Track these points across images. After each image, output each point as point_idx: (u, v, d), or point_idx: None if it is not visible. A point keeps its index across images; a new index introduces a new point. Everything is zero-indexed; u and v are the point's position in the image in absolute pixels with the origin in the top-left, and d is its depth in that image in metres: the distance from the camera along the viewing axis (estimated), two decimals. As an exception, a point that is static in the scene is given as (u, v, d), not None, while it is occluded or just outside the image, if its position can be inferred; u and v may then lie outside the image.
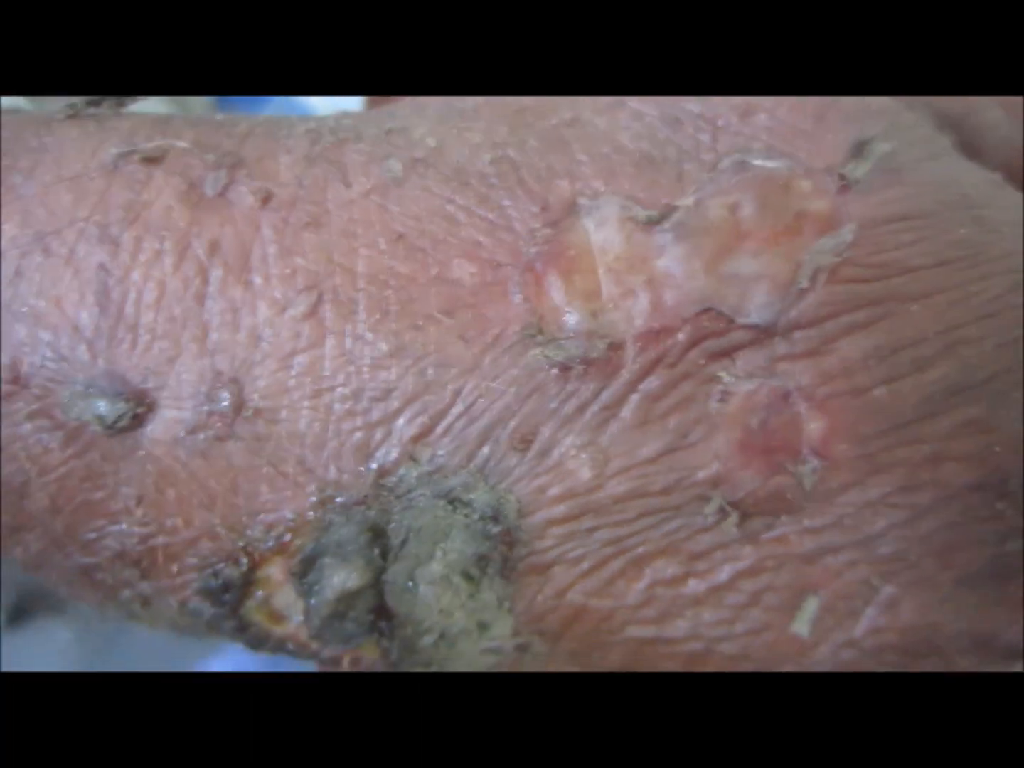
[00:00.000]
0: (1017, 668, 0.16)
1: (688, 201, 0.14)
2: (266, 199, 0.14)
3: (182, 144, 0.15)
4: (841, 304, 0.14)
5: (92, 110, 0.15)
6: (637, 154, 0.15)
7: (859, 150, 0.15)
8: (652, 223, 0.14)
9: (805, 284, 0.14)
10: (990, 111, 0.18)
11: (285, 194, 0.14)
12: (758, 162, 0.15)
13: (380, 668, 0.16)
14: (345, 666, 0.16)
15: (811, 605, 0.15)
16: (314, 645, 0.15)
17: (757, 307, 0.14)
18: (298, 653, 0.16)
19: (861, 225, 0.14)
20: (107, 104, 0.15)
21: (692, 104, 0.15)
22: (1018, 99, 0.18)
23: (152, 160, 0.14)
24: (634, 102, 0.16)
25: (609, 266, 0.14)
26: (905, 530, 0.15)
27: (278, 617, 0.15)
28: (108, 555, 0.15)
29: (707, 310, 0.14)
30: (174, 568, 0.15)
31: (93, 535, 0.15)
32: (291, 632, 0.15)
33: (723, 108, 0.15)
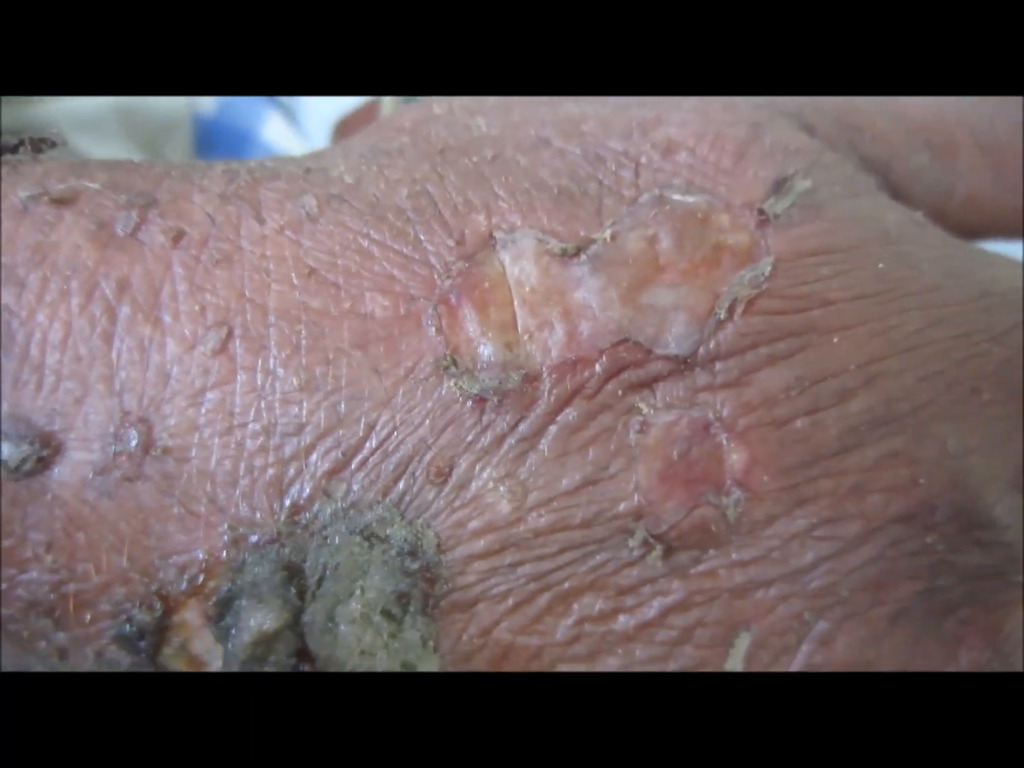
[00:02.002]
0: None
1: (606, 234, 0.15)
2: (177, 238, 0.14)
3: (94, 185, 0.15)
4: (760, 335, 0.14)
5: (8, 156, 0.15)
6: (556, 189, 0.15)
7: (779, 187, 0.15)
8: (569, 255, 0.14)
9: (723, 315, 0.14)
10: (916, 156, 0.18)
11: (197, 232, 0.14)
12: (677, 197, 0.15)
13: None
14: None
15: (744, 641, 0.15)
16: None
17: (676, 338, 0.14)
18: (222, 699, 0.16)
19: (780, 258, 0.15)
20: (24, 150, 0.15)
21: (615, 142, 0.16)
22: (944, 142, 0.18)
23: (62, 201, 0.14)
24: (558, 141, 0.16)
25: (524, 298, 0.14)
26: (834, 563, 0.14)
27: (198, 663, 0.15)
28: (20, 605, 0.14)
29: (624, 341, 0.14)
30: (87, 616, 0.14)
31: (4, 585, 0.14)
32: None
33: (645, 146, 0.16)
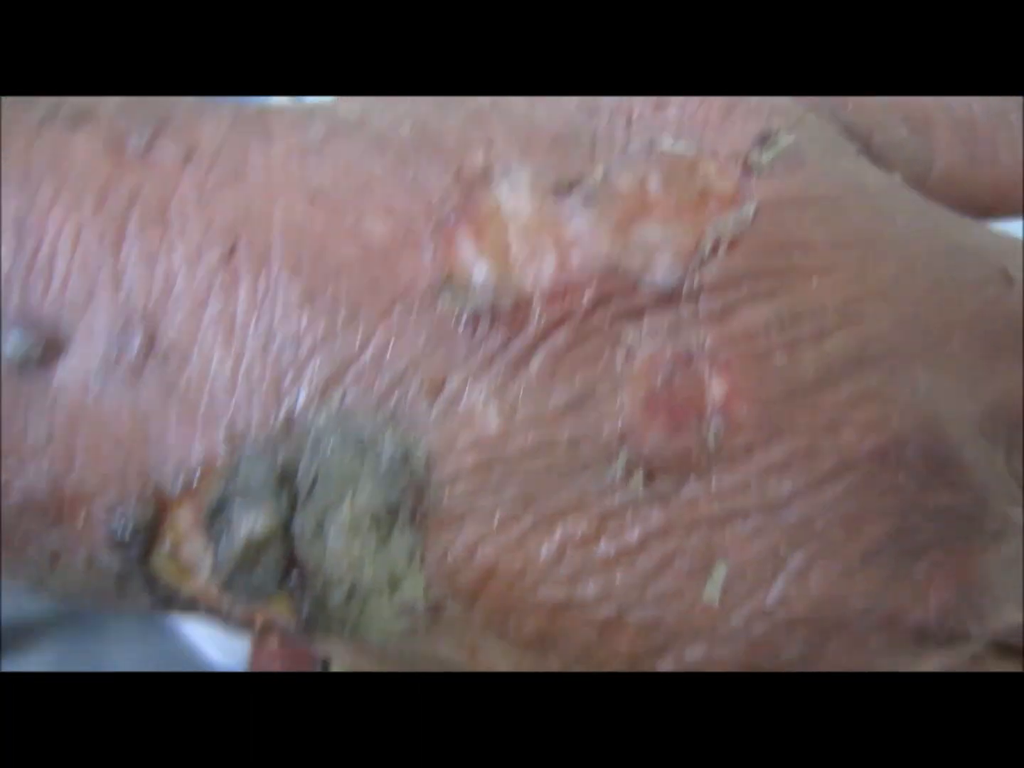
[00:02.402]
0: (929, 653, 0.16)
1: (598, 174, 0.15)
2: (188, 156, 0.15)
3: (109, 106, 0.15)
4: (743, 273, 0.15)
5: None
6: (552, 133, 0.16)
7: (764, 139, 0.16)
8: (562, 192, 0.15)
9: (708, 253, 0.15)
10: (896, 130, 0.19)
11: (208, 153, 0.15)
12: (667, 145, 0.16)
13: (293, 630, 0.16)
14: (257, 628, 0.16)
15: (720, 572, 0.15)
16: (224, 601, 0.15)
17: (662, 271, 0.15)
18: (209, 613, 0.16)
19: (763, 204, 0.15)
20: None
21: (609, 98, 0.16)
22: (921, 119, 0.19)
23: (77, 120, 0.15)
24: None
25: (518, 228, 0.15)
26: (809, 497, 0.15)
27: (186, 570, 0.15)
28: (15, 504, 0.15)
29: (613, 272, 0.15)
30: (81, 516, 0.15)
31: (1, 483, 0.15)
32: (200, 587, 0.15)
33: (637, 102, 0.16)
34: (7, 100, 0.15)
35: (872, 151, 0.18)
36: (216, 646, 0.53)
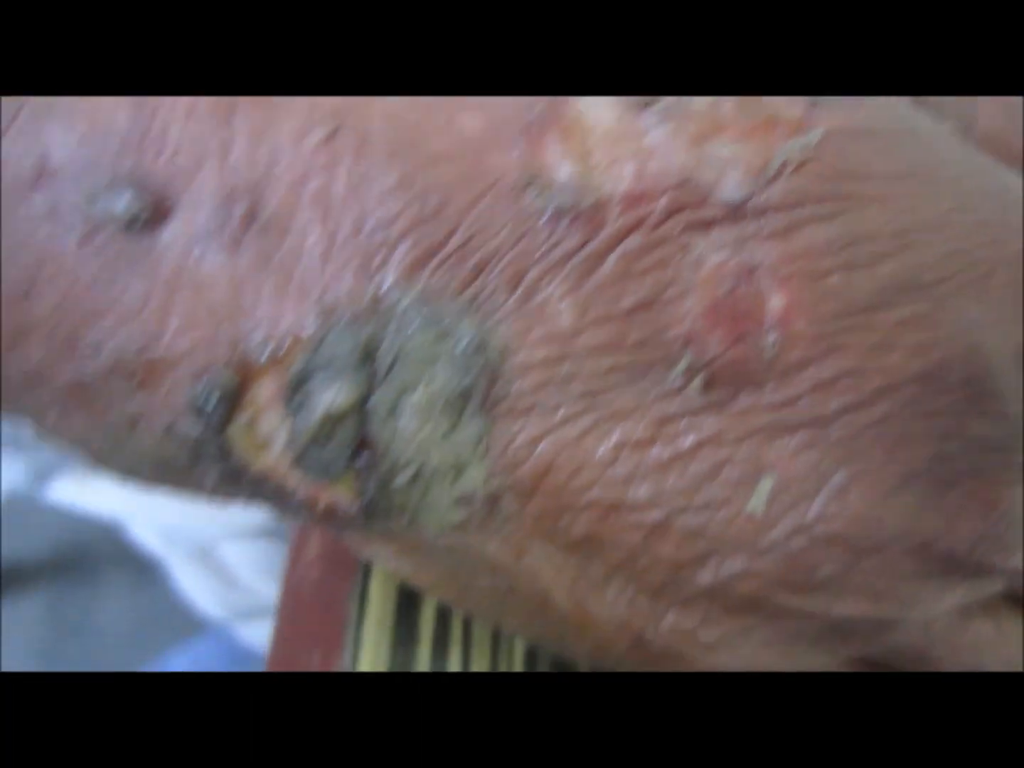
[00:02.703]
0: (954, 584, 0.17)
1: (673, 97, 0.16)
2: None
3: None
4: (806, 195, 0.16)
5: None
6: None
7: None
8: (641, 107, 0.16)
9: (775, 173, 0.16)
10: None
11: None
12: None
13: (353, 512, 0.16)
14: (320, 510, 0.16)
15: (766, 484, 0.16)
16: (292, 479, 0.16)
17: (732, 187, 0.16)
18: (274, 495, 0.16)
19: (827, 132, 0.16)
20: None
21: None
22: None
23: None
24: None
25: (600, 136, 0.16)
26: (855, 415, 0.16)
27: (261, 444, 0.16)
28: (105, 365, 0.15)
29: (686, 183, 0.15)
30: (168, 381, 0.15)
31: (94, 342, 0.15)
32: (272, 462, 0.16)
33: None
34: None
35: (923, 104, 0.19)
36: (210, 597, 0.53)
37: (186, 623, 0.53)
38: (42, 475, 0.47)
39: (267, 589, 0.52)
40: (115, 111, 0.15)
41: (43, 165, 0.15)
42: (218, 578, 0.51)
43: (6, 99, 0.15)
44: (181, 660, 0.54)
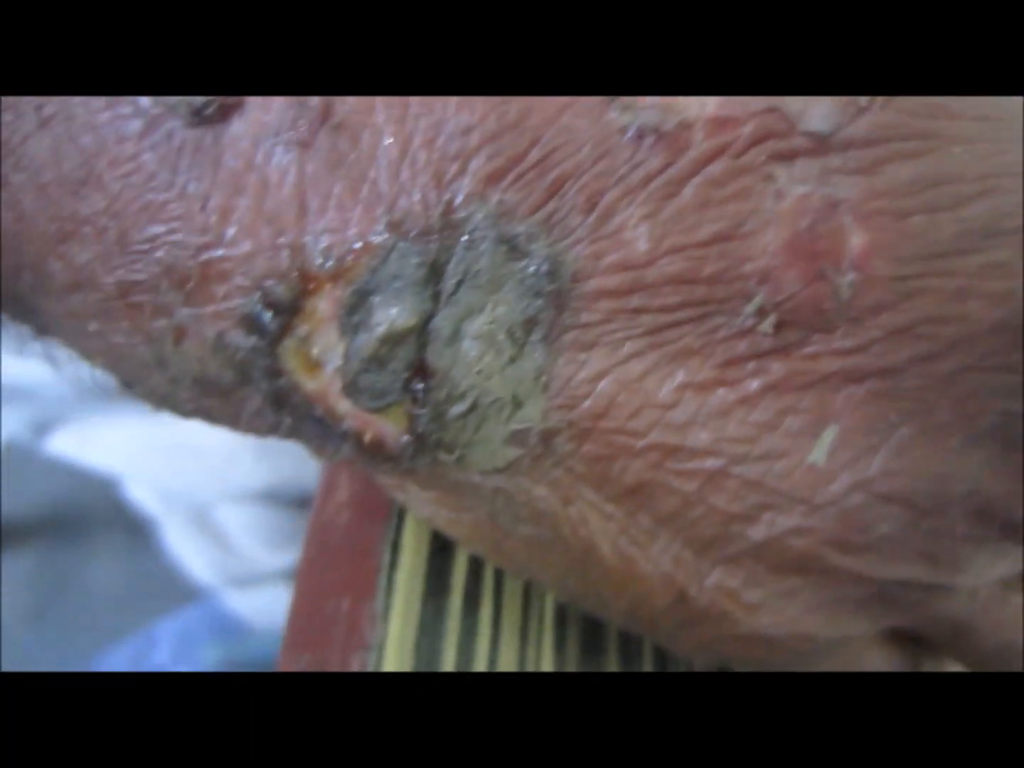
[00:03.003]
0: (1008, 550, 0.17)
1: None
2: None
3: None
4: (893, 130, 0.15)
5: None
6: None
7: None
8: None
9: (862, 107, 0.15)
10: None
11: None
12: None
13: (402, 446, 0.15)
14: (367, 442, 0.16)
15: (829, 435, 0.15)
16: (342, 405, 0.15)
17: (819, 117, 0.15)
18: (319, 423, 0.16)
19: None
20: None
21: None
22: None
23: None
24: None
25: None
26: (927, 366, 0.15)
27: (314, 365, 0.15)
28: (156, 270, 0.14)
29: (774, 110, 0.15)
30: (222, 290, 0.14)
31: (146, 245, 0.14)
32: (322, 385, 0.15)
33: None
34: None
35: None
36: (202, 562, 0.52)
37: (176, 590, 0.52)
38: (42, 427, 0.46)
39: (263, 556, 0.51)
40: None
41: None
42: (213, 542, 0.50)
43: None
44: (169, 627, 0.54)
